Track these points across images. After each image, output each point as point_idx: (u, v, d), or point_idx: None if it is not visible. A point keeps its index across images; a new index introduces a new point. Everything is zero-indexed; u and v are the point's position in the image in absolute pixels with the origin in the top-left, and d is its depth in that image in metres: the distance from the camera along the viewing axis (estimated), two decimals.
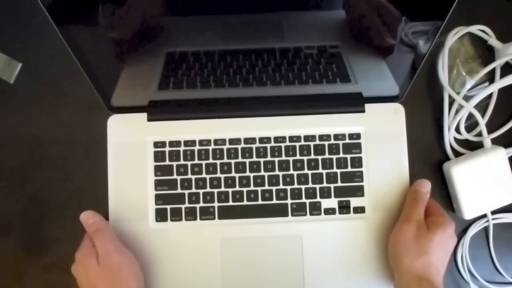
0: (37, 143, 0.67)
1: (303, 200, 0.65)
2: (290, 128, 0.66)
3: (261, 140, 0.65)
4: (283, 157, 0.65)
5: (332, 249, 0.64)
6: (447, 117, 0.66)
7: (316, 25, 0.52)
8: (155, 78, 0.60)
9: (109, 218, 0.64)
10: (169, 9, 0.49)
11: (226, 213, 0.65)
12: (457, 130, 0.66)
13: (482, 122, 0.65)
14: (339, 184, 0.65)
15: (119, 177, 0.65)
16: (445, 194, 0.67)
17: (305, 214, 0.65)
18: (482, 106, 0.67)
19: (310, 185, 0.65)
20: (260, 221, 0.64)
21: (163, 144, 0.65)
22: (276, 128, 0.66)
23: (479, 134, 0.66)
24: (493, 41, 0.66)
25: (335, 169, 0.65)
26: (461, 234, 0.67)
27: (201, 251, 0.64)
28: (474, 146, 0.67)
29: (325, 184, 0.65)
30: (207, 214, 0.64)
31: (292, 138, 0.66)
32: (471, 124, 0.67)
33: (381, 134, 0.66)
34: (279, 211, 0.65)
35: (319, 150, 0.65)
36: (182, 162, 0.65)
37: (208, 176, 0.65)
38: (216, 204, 0.65)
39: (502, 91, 0.67)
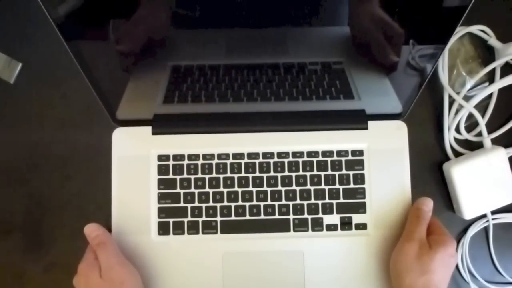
0: (37, 144, 0.67)
1: (305, 215, 0.65)
2: (293, 144, 0.66)
3: (265, 155, 0.66)
4: (286, 173, 0.65)
5: (333, 265, 0.64)
6: (447, 117, 0.66)
7: (321, 41, 0.52)
8: (161, 92, 0.61)
9: (111, 230, 0.64)
10: (175, 23, 0.49)
11: (228, 228, 0.65)
12: (457, 130, 0.67)
13: (482, 122, 0.65)
14: (342, 200, 0.65)
15: (122, 189, 0.65)
16: (445, 194, 0.67)
17: (307, 230, 0.64)
18: (482, 106, 0.68)
19: (313, 201, 0.65)
20: (262, 236, 0.64)
21: (167, 157, 0.66)
22: (279, 144, 0.66)
23: (479, 134, 0.66)
24: (493, 41, 0.67)
25: (337, 185, 0.65)
26: (461, 234, 0.67)
27: (202, 265, 0.64)
28: (474, 146, 0.67)
29: (327, 200, 0.65)
30: (209, 228, 0.64)
31: (295, 154, 0.66)
32: (471, 124, 0.67)
33: (384, 152, 0.66)
34: (281, 226, 0.65)
35: (322, 166, 0.65)
36: (185, 176, 0.65)
37: (211, 190, 0.65)
38: (218, 218, 0.65)
39: (502, 91, 0.67)
